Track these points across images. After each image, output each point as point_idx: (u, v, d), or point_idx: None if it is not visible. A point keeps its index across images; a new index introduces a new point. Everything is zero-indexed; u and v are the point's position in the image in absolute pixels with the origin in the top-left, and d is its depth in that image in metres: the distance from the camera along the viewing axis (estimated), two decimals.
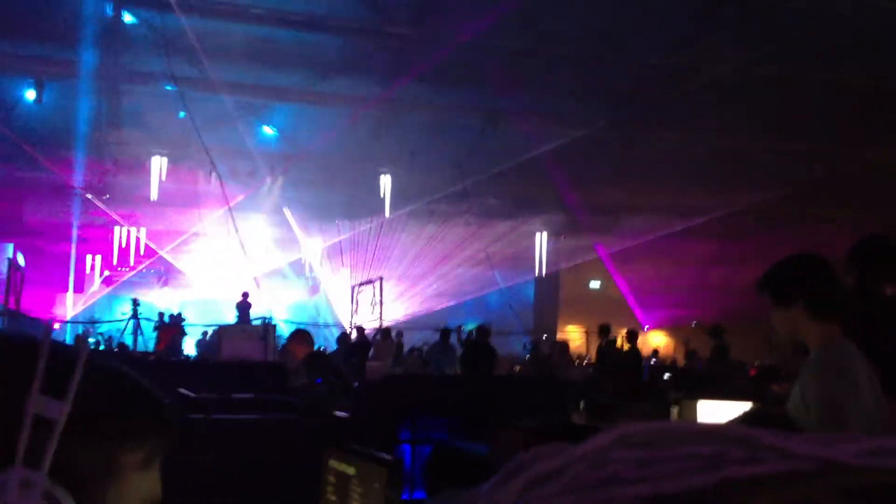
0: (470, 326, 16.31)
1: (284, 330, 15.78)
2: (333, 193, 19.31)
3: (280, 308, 20.95)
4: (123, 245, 20.78)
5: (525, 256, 22.38)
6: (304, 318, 20.65)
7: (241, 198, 18.86)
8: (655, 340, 22.99)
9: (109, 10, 14.16)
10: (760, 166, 16.76)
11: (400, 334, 17.44)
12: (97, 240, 20.85)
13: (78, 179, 18.10)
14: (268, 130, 17.13)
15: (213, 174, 16.93)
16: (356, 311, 20.94)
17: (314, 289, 23.07)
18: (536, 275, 22.94)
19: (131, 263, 21.29)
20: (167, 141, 17.03)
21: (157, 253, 21.31)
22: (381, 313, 19.77)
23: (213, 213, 19.21)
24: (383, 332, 16.56)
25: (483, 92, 15.71)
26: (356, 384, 7.81)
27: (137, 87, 15.94)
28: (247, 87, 15.89)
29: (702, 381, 9.39)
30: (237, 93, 15.85)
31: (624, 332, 14.07)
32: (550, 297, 24.47)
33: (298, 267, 22.48)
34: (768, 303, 2.59)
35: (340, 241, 21.69)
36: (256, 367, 8.11)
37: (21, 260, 19.10)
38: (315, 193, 19.31)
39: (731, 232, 19.83)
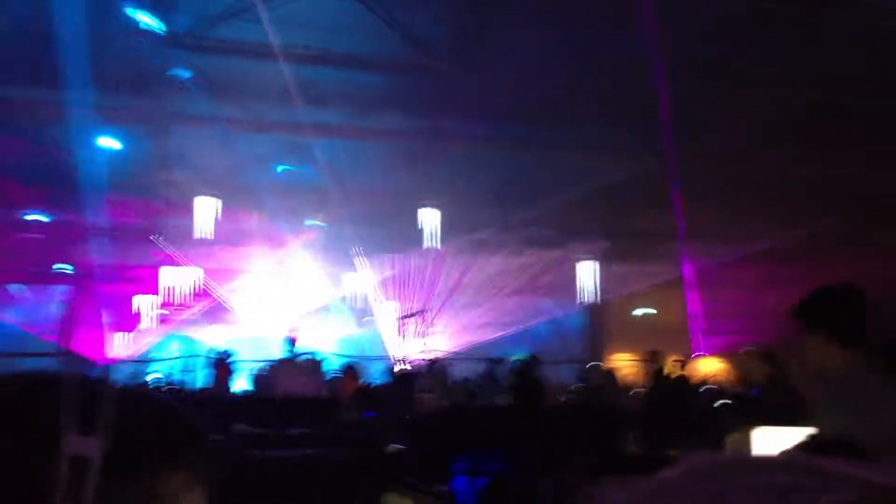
0: (518, 356, 16.22)
1: (333, 364, 15.86)
2: (379, 227, 19.46)
3: (328, 342, 21.07)
4: (174, 285, 21.12)
5: (571, 284, 22.27)
6: (351, 351, 20.73)
7: (287, 235, 19.10)
8: (708, 367, 22.64)
9: (157, 55, 14.52)
10: (816, 190, 16.53)
11: (447, 366, 17.43)
12: (148, 279, 21.22)
13: (129, 220, 18.49)
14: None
15: (262, 213, 17.19)
16: (403, 343, 20.98)
17: (361, 322, 23.18)
18: (584, 302, 22.79)
19: (182, 302, 21.61)
20: (215, 181, 17.34)
21: (207, 292, 21.61)
22: (428, 345, 19.79)
23: (261, 250, 19.47)
24: (431, 364, 16.56)
25: (526, 124, 15.78)
26: (406, 417, 7.82)
27: (184, 127, 16.29)
28: (289, 124, 16.14)
29: (756, 408, 9.24)
30: (279, 130, 16.11)
31: (674, 359, 13.91)
32: (598, 325, 24.28)
33: (346, 302, 22.62)
34: (798, 329, 2.68)
35: (386, 275, 21.80)
36: (309, 402, 8.18)
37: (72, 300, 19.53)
38: (361, 228, 19.47)
39: (786, 255, 19.55)
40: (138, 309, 22.40)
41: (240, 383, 18.08)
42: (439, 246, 19.58)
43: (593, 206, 18.31)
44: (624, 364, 22.71)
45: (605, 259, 22.13)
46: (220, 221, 18.22)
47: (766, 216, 18.10)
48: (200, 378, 17.52)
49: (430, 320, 20.48)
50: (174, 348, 21.63)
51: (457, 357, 19.99)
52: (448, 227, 18.89)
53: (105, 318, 21.39)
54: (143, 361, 20.99)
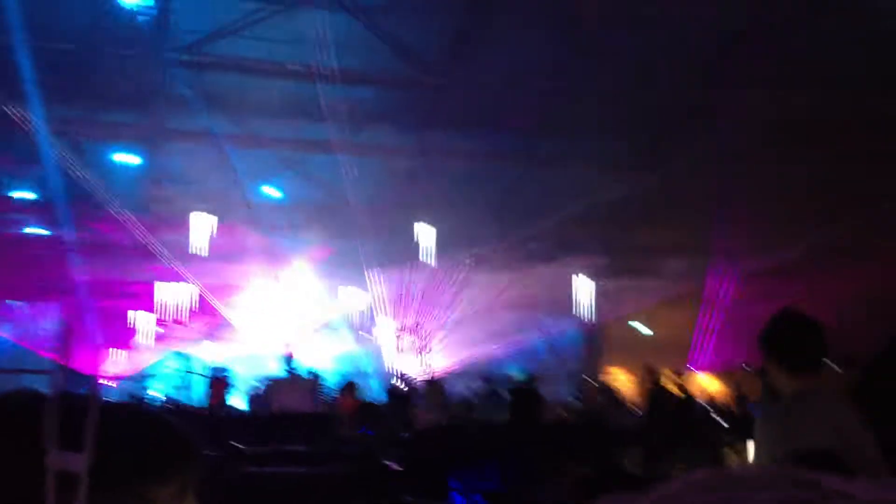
0: (516, 372, 16.20)
1: (332, 381, 15.83)
2: (375, 243, 19.45)
3: (325, 359, 21.01)
4: (171, 301, 21.06)
5: (567, 300, 22.24)
6: (349, 368, 20.67)
7: (282, 251, 19.09)
8: (704, 384, 22.59)
9: (154, 72, 14.57)
10: (813, 203, 16.51)
11: (444, 382, 17.38)
12: (146, 296, 21.16)
13: (125, 237, 18.47)
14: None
15: (256, 228, 17.20)
16: (401, 359, 20.94)
17: (358, 339, 23.12)
18: (580, 318, 22.76)
19: (180, 318, 21.55)
20: (209, 196, 17.35)
21: (204, 308, 21.55)
22: (426, 362, 19.75)
23: (257, 267, 19.45)
24: (429, 381, 16.52)
25: (521, 137, 15.83)
26: (404, 434, 7.81)
27: (179, 144, 16.32)
28: (285, 140, 16.18)
29: (752, 425, 9.21)
30: (275, 146, 16.14)
31: (671, 374, 13.88)
32: (595, 340, 24.22)
33: (342, 318, 22.57)
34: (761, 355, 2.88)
35: (383, 291, 21.76)
36: (306, 419, 8.16)
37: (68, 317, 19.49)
38: (356, 244, 19.47)
39: (782, 271, 19.50)
40: (136, 325, 22.33)
41: (237, 400, 18.04)
42: (436, 261, 19.58)
43: (591, 221, 18.34)
44: (620, 379, 22.66)
45: (602, 274, 22.12)
46: (217, 237, 18.21)
47: (764, 231, 18.10)
48: (198, 395, 17.46)
49: (427, 336, 20.44)
50: (171, 365, 21.53)
51: (455, 373, 19.95)
52: (446, 243, 18.90)
53: (103, 334, 21.33)
54: (141, 378, 20.91)
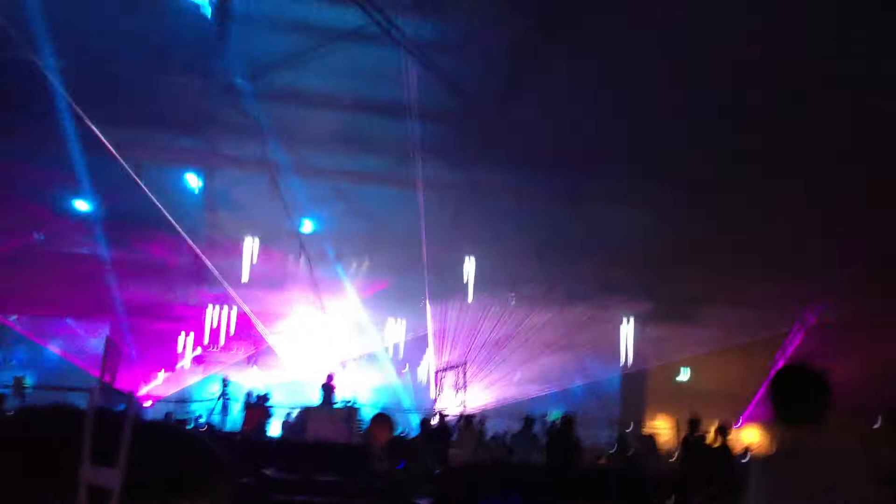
0: (554, 415, 16.02)
1: (368, 412, 15.79)
2: (417, 277, 19.49)
3: (364, 391, 21.02)
4: (215, 325, 21.30)
5: (610, 343, 22.01)
6: (387, 401, 20.64)
7: (327, 280, 19.22)
8: (750, 436, 22.08)
9: (214, 99, 14.87)
10: (852, 253, 16.19)
11: (482, 421, 17.23)
12: (191, 319, 21.45)
13: (175, 259, 18.77)
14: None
15: (302, 257, 17.36)
16: (439, 395, 20.85)
17: (400, 372, 23.11)
18: (623, 363, 22.48)
19: (224, 343, 21.77)
20: (259, 224, 17.57)
21: (247, 333, 21.75)
22: (464, 399, 19.63)
23: (301, 295, 19.60)
24: (466, 418, 16.39)
25: (569, 177, 15.80)
26: (438, 471, 7.75)
27: (233, 170, 16.60)
28: (337, 171, 16.35)
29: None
30: (327, 177, 16.32)
31: (715, 425, 13.57)
32: (638, 387, 23.87)
33: (383, 350, 22.60)
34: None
35: (425, 325, 21.75)
36: (340, 450, 8.14)
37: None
38: (399, 277, 19.53)
39: (828, 323, 19.10)
40: (179, 347, 22.61)
41: (275, 426, 18.10)
42: (480, 298, 19.54)
43: (638, 265, 18.17)
44: (661, 427, 22.28)
45: (646, 320, 21.86)
46: (264, 265, 18.42)
47: (816, 284, 17.74)
48: (235, 419, 17.56)
49: (467, 372, 20.34)
50: (213, 389, 21.73)
51: (492, 411, 19.79)
52: (489, 280, 18.86)
53: (147, 354, 21.64)
54: (180, 400, 21.12)
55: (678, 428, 20.34)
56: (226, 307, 21.10)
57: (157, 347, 21.93)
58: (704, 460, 10.65)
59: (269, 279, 19.17)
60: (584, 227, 16.56)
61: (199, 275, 19.35)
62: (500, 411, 19.90)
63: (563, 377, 22.16)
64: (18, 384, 15.28)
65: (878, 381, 14.37)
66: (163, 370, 22.30)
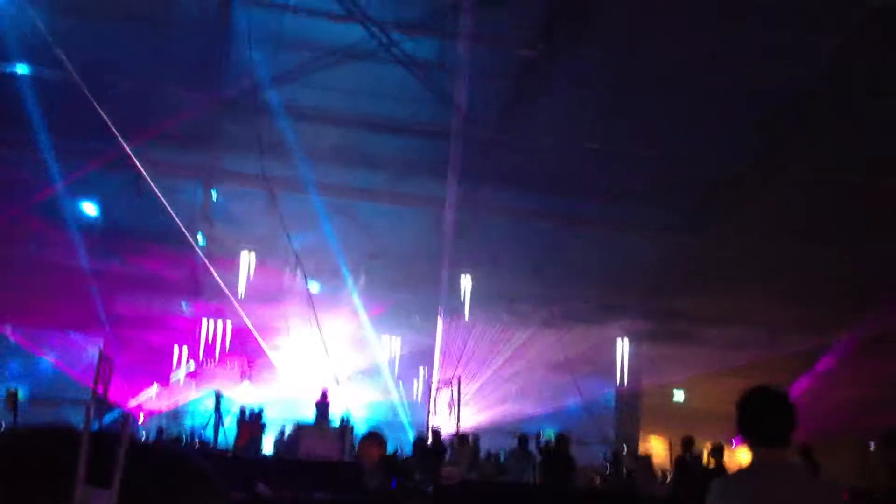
0: (549, 433, 15.98)
1: (363, 429, 15.73)
2: (414, 293, 19.48)
3: (359, 407, 20.94)
4: (210, 339, 21.24)
5: (606, 363, 21.99)
6: (381, 417, 20.56)
7: (323, 296, 19.18)
8: (745, 457, 21.98)
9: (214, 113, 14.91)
10: (848, 279, 16.22)
11: (476, 439, 17.18)
12: (185, 332, 21.39)
13: (169, 273, 18.73)
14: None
15: (298, 272, 17.33)
16: (434, 412, 20.77)
17: (392, 389, 23.04)
18: (618, 382, 22.45)
19: (218, 357, 21.71)
20: (256, 238, 17.56)
21: (242, 348, 21.69)
22: (458, 416, 19.56)
23: (297, 310, 19.55)
24: (460, 436, 16.34)
25: (566, 197, 15.83)
26: (430, 488, 7.71)
27: (232, 185, 16.60)
28: (335, 187, 16.35)
29: None
30: (326, 193, 16.32)
31: (709, 446, 13.54)
32: (632, 406, 23.84)
33: (378, 366, 22.54)
34: None
35: (419, 342, 21.71)
36: (333, 467, 8.10)
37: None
38: (396, 293, 19.51)
39: (823, 348, 19.11)
40: (174, 361, 22.54)
41: (268, 442, 18.02)
42: (476, 316, 19.52)
43: (634, 285, 18.17)
44: (655, 447, 22.23)
45: (641, 339, 21.86)
46: (260, 279, 18.39)
47: (814, 308, 17.72)
48: (228, 434, 17.48)
49: (462, 390, 20.27)
50: (205, 403, 21.64)
51: (487, 429, 19.73)
52: (486, 298, 18.85)
53: (141, 367, 21.56)
54: (174, 415, 21.03)
55: (672, 448, 20.31)
56: (220, 321, 21.05)
57: (151, 360, 21.86)
58: (699, 481, 10.61)
59: (265, 293, 19.13)
60: (584, 247, 16.58)
61: (195, 288, 19.31)
62: (495, 428, 19.84)
63: (559, 395, 22.11)
64: (11, 398, 15.18)
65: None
66: (156, 383, 22.22)
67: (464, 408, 20.17)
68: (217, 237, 17.25)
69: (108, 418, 15.49)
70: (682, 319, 19.83)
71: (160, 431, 19.31)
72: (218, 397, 17.95)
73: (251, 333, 21.26)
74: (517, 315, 20.25)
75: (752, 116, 13.29)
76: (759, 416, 3.02)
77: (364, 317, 20.91)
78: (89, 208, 17.68)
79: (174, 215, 16.41)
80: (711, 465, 12.47)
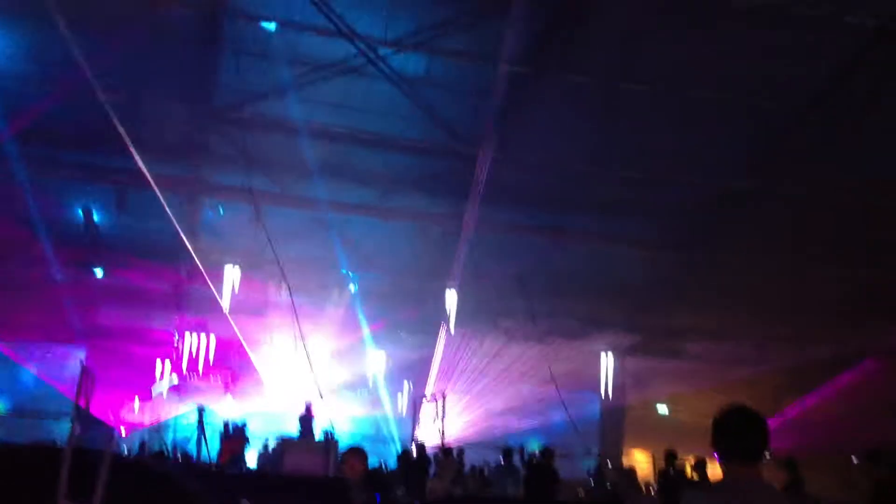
0: (533, 446, 15.98)
1: (346, 443, 15.67)
2: (399, 307, 19.46)
3: (343, 421, 20.87)
4: (193, 353, 21.14)
5: (590, 376, 22.01)
6: (366, 432, 20.49)
7: (308, 310, 19.11)
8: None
9: (200, 127, 14.86)
10: (835, 296, 16.33)
11: (461, 452, 17.15)
12: (168, 345, 21.28)
13: (152, 286, 18.64)
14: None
15: (283, 286, 17.28)
16: (418, 426, 20.74)
17: (377, 403, 22.98)
18: (602, 396, 22.48)
19: (201, 371, 21.60)
20: (241, 251, 17.49)
21: (225, 361, 21.60)
22: (443, 430, 19.53)
23: (282, 324, 19.49)
24: (445, 450, 16.31)
25: (553, 212, 15.89)
26: (416, 503, 7.71)
27: (217, 198, 16.55)
28: (320, 201, 16.32)
29: None
30: (311, 207, 16.28)
31: (692, 459, 13.59)
32: (616, 420, 23.86)
33: (363, 380, 22.49)
34: None
35: (404, 356, 21.68)
36: (318, 483, 8.08)
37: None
38: (381, 307, 19.48)
39: (807, 362, 19.20)
40: (157, 374, 22.41)
41: (251, 457, 17.91)
42: (462, 330, 19.52)
43: (617, 299, 18.23)
44: (639, 461, 22.26)
45: (625, 353, 21.92)
46: (243, 292, 18.31)
47: (795, 325, 17.83)
48: (211, 449, 17.36)
49: (447, 404, 20.24)
50: (189, 417, 21.49)
51: (472, 443, 19.69)
52: (472, 312, 18.85)
53: (124, 381, 21.42)
54: (157, 429, 20.88)
55: (655, 461, 20.35)
56: (203, 334, 20.96)
57: (134, 373, 21.72)
58: (679, 492, 10.66)
59: (249, 307, 19.07)
60: (569, 262, 16.62)
61: (179, 301, 19.21)
62: (480, 442, 19.82)
63: (544, 409, 22.11)
64: None
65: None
66: (139, 397, 22.08)
67: (449, 421, 20.15)
68: (201, 250, 17.18)
69: (91, 433, 15.34)
70: (667, 334, 19.92)
71: (143, 446, 19.17)
72: (201, 411, 17.83)
73: (235, 347, 21.17)
74: (503, 330, 20.27)
75: (743, 134, 13.40)
76: (734, 433, 3.13)
77: (349, 330, 20.86)
78: (72, 220, 17.57)
79: (158, 228, 16.36)
80: (695, 479, 12.52)
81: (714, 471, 17.96)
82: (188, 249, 16.91)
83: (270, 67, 13.23)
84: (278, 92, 13.69)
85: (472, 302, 18.44)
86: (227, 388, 22.51)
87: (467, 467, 16.77)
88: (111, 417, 20.00)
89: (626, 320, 19.66)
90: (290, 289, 17.32)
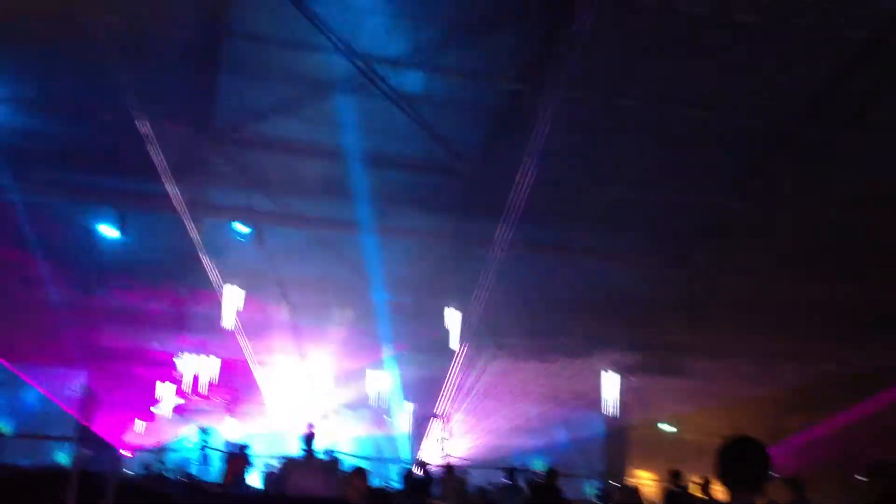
0: (537, 466, 15.88)
1: (349, 464, 15.60)
2: (401, 326, 19.41)
3: (345, 441, 20.79)
4: (195, 374, 21.10)
5: (594, 395, 21.91)
6: (369, 451, 20.40)
7: (309, 329, 19.10)
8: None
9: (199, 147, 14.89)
10: (838, 313, 16.26)
11: (465, 472, 17.07)
12: (171, 367, 21.24)
13: (153, 306, 18.62)
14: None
15: (285, 305, 17.26)
16: (422, 446, 20.65)
17: (380, 423, 22.91)
18: (606, 415, 22.36)
19: (203, 392, 21.55)
20: (242, 272, 17.48)
21: (228, 382, 21.55)
22: (447, 449, 19.45)
23: (283, 344, 19.46)
24: (448, 469, 16.23)
25: (553, 229, 15.86)
26: None
27: (216, 218, 16.56)
28: (320, 220, 16.33)
29: None
30: (310, 226, 16.29)
31: (698, 479, 13.51)
32: (620, 439, 23.74)
33: (365, 400, 22.42)
34: None
35: (407, 375, 21.62)
36: (321, 503, 8.02)
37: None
38: (385, 326, 19.44)
39: (814, 379, 19.09)
40: (160, 396, 22.37)
41: (254, 478, 17.82)
42: (464, 349, 19.45)
43: (623, 317, 18.16)
44: (644, 481, 22.12)
45: (630, 372, 21.80)
46: (245, 313, 18.30)
47: (799, 341, 17.74)
48: (215, 470, 17.29)
49: (450, 423, 20.17)
50: (192, 439, 21.43)
51: (475, 462, 19.60)
52: (474, 331, 18.78)
53: (127, 402, 21.38)
54: (160, 450, 20.81)
55: (660, 481, 20.21)
56: (205, 356, 20.93)
57: (137, 395, 21.69)
58: None
59: (251, 327, 19.04)
60: (571, 279, 16.58)
61: (180, 322, 19.18)
62: (483, 462, 19.73)
63: (547, 429, 22.03)
64: None
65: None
66: (142, 418, 22.03)
67: (452, 441, 20.07)
68: (202, 270, 17.17)
69: (97, 455, 15.30)
70: (671, 352, 19.82)
71: (146, 467, 19.10)
72: (203, 432, 17.79)
73: (236, 368, 21.14)
74: (506, 348, 20.19)
75: (742, 154, 13.41)
76: (738, 463, 3.24)
77: (350, 349, 20.82)
78: (73, 241, 17.58)
79: (159, 248, 16.38)
80: (701, 498, 12.44)
81: (719, 490, 17.85)
82: (189, 270, 16.92)
83: (269, 86, 13.27)
84: (276, 111, 13.73)
85: (474, 321, 18.40)
86: (229, 408, 22.45)
87: (471, 487, 16.68)
88: (113, 439, 19.94)
89: (632, 339, 19.58)
90: (290, 308, 17.31)
